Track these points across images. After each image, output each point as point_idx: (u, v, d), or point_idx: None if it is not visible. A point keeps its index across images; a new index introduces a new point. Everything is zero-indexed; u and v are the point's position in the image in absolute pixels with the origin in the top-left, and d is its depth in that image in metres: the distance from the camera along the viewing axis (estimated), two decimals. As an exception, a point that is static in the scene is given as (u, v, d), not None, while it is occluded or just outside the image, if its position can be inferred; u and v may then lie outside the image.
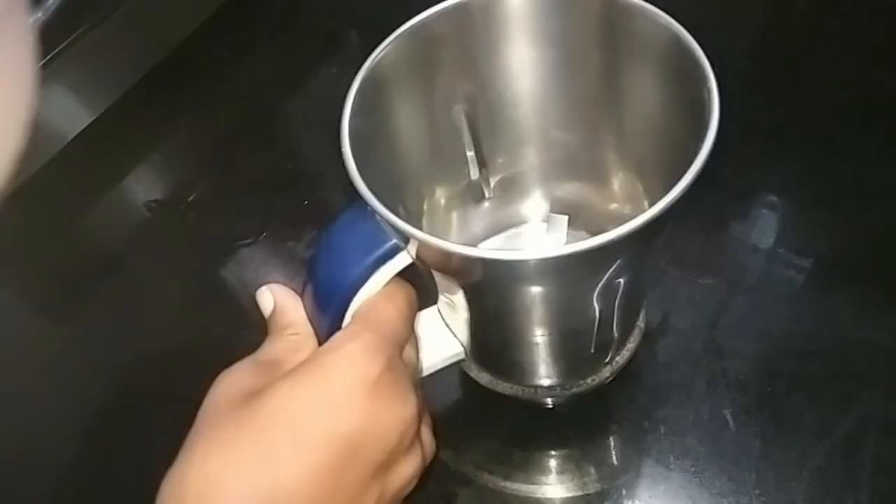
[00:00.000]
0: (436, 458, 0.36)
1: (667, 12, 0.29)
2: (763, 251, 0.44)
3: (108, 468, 0.40)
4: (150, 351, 0.43)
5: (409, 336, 0.30)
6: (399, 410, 0.27)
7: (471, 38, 0.33)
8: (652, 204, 0.27)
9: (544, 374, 0.37)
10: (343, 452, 0.25)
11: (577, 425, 0.39)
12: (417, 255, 0.28)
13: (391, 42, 0.30)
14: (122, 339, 0.41)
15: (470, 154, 0.36)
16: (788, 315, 0.41)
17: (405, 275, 0.29)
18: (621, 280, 0.30)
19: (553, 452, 0.39)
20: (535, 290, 0.29)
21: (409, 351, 0.31)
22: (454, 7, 0.31)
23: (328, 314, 0.30)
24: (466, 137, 0.36)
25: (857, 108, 0.50)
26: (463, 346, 0.36)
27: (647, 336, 0.41)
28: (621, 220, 0.37)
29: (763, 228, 0.45)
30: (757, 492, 0.36)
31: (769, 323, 0.41)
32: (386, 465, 0.27)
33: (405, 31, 0.31)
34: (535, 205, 0.41)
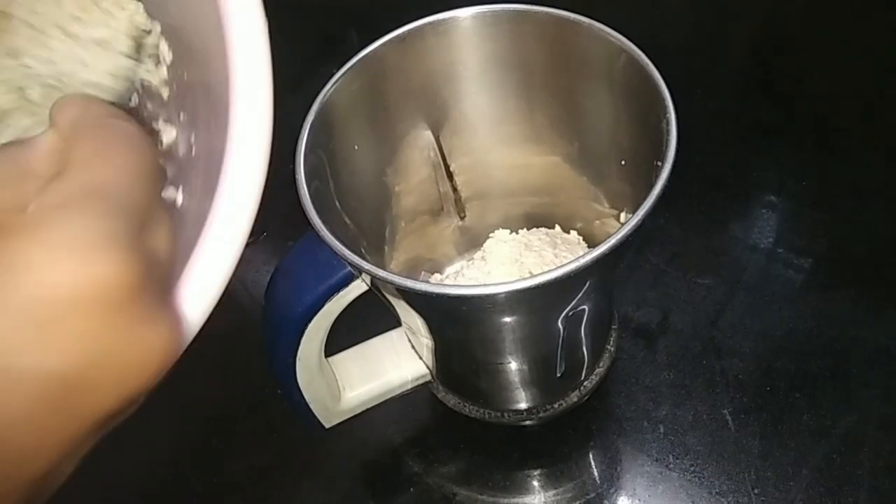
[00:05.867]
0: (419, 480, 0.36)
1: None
2: (762, 251, 0.44)
3: (103, 467, 0.40)
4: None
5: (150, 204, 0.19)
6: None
7: (427, 64, 0.33)
8: (620, 220, 0.26)
9: (511, 399, 0.37)
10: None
11: (576, 426, 0.39)
12: (372, 284, 0.28)
13: (343, 74, 0.31)
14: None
15: (440, 172, 0.37)
16: (788, 315, 0.41)
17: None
18: (585, 307, 0.30)
19: (553, 453, 0.39)
20: (494, 319, 0.29)
21: (160, 236, 0.19)
22: (406, 34, 0.32)
23: (283, 340, 0.30)
24: (435, 158, 0.36)
25: (856, 109, 0.50)
26: (429, 368, 0.37)
27: (646, 336, 0.41)
28: (593, 236, 0.37)
29: (762, 228, 0.45)
30: (756, 491, 0.36)
31: (768, 323, 0.41)
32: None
33: (356, 62, 0.31)
34: (505, 222, 0.41)
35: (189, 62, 0.31)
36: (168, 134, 0.33)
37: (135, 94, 0.36)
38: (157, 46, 0.33)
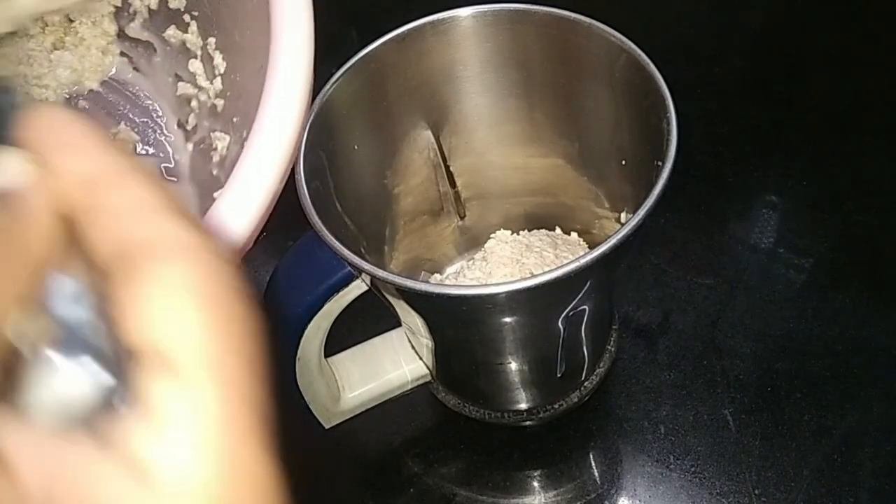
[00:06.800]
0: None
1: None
2: (763, 251, 0.44)
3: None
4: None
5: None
6: None
7: (427, 63, 0.33)
8: (620, 221, 0.26)
9: (511, 400, 0.37)
10: None
11: (577, 426, 0.39)
12: (372, 284, 0.28)
13: (343, 74, 0.31)
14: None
15: (440, 172, 0.37)
16: (788, 315, 0.41)
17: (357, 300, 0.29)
18: (586, 307, 0.30)
19: (553, 454, 0.39)
20: (494, 320, 0.29)
21: None
22: (406, 34, 0.32)
23: (282, 340, 0.30)
24: (435, 158, 0.36)
25: (857, 108, 0.50)
26: (429, 368, 0.37)
27: (647, 336, 0.41)
28: (594, 237, 0.37)
29: (763, 228, 0.45)
30: (757, 492, 0.36)
31: (769, 323, 0.41)
32: None
33: (356, 61, 0.31)
34: (505, 223, 0.41)
35: (242, 65, 0.33)
36: (222, 142, 0.34)
37: (192, 115, 0.38)
38: (213, 60, 0.35)
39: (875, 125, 0.49)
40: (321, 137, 0.30)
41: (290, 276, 0.30)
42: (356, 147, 0.33)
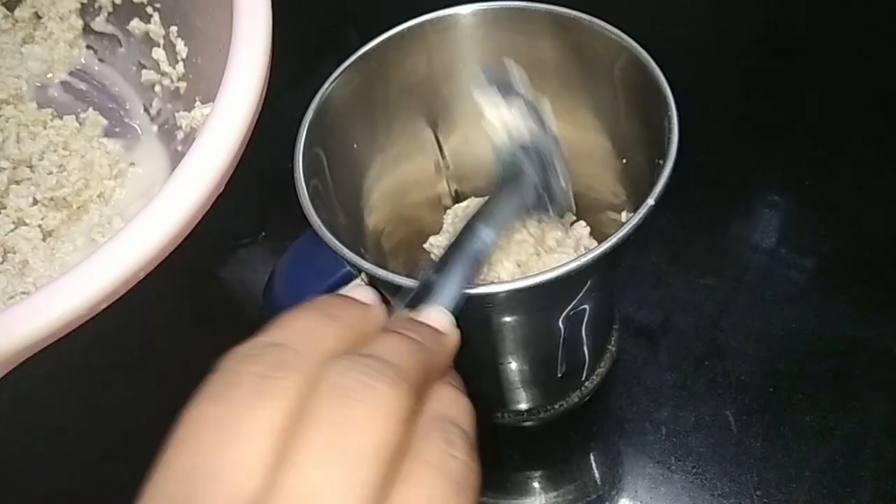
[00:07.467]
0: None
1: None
2: (765, 251, 0.44)
3: (102, 469, 0.40)
4: (146, 352, 0.43)
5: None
6: None
7: (427, 61, 0.33)
8: (621, 220, 0.26)
9: (511, 400, 0.37)
10: None
11: (577, 426, 0.39)
12: (371, 283, 0.28)
13: (342, 72, 0.31)
14: (117, 340, 0.41)
15: (440, 171, 0.37)
16: (790, 315, 0.41)
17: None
18: (587, 307, 0.30)
19: (553, 455, 0.39)
20: (494, 319, 0.29)
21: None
22: (406, 32, 0.31)
23: None
24: (436, 156, 0.36)
25: (860, 108, 0.50)
26: None
27: (648, 336, 0.41)
28: (594, 236, 0.36)
29: (765, 228, 0.45)
30: (758, 493, 0.36)
31: (771, 323, 0.41)
32: None
33: (355, 59, 0.31)
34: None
35: (202, 48, 0.35)
36: (185, 120, 0.36)
37: (156, 100, 0.39)
38: (175, 48, 0.37)
39: (879, 125, 0.49)
40: (320, 136, 0.30)
41: (289, 275, 0.30)
42: (355, 145, 0.33)
